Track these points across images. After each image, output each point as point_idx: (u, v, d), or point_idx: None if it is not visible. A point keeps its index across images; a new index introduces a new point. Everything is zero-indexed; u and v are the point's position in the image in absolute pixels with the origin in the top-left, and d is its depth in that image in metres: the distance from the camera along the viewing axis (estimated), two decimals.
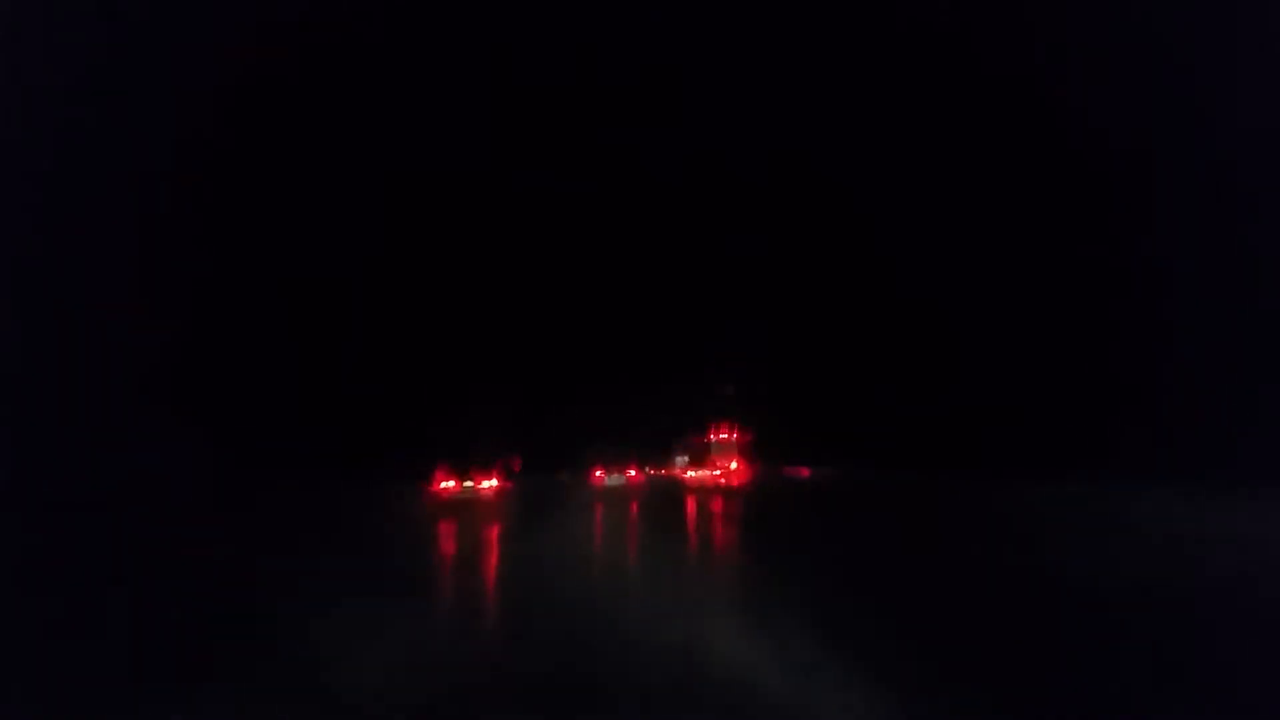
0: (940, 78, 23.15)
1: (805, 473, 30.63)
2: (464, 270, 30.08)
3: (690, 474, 27.59)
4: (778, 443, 31.97)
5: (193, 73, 20.62)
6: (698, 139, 33.64)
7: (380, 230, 27.20)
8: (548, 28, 28.71)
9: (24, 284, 18.09)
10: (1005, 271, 21.88)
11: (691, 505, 20.17)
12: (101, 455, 17.48)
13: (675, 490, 25.32)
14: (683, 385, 35.22)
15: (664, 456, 31.51)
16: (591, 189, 32.28)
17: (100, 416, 18.34)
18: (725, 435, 29.51)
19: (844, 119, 26.60)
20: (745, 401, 32.90)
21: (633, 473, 24.83)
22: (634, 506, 18.89)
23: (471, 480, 18.63)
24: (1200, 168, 15.93)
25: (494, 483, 18.94)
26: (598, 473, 23.32)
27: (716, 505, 20.36)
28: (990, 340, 22.05)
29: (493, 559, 11.29)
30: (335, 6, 23.74)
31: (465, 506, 17.62)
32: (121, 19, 18.87)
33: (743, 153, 32.44)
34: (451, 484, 18.53)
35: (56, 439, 17.51)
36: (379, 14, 26.56)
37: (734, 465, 28.36)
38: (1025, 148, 20.70)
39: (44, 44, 17.70)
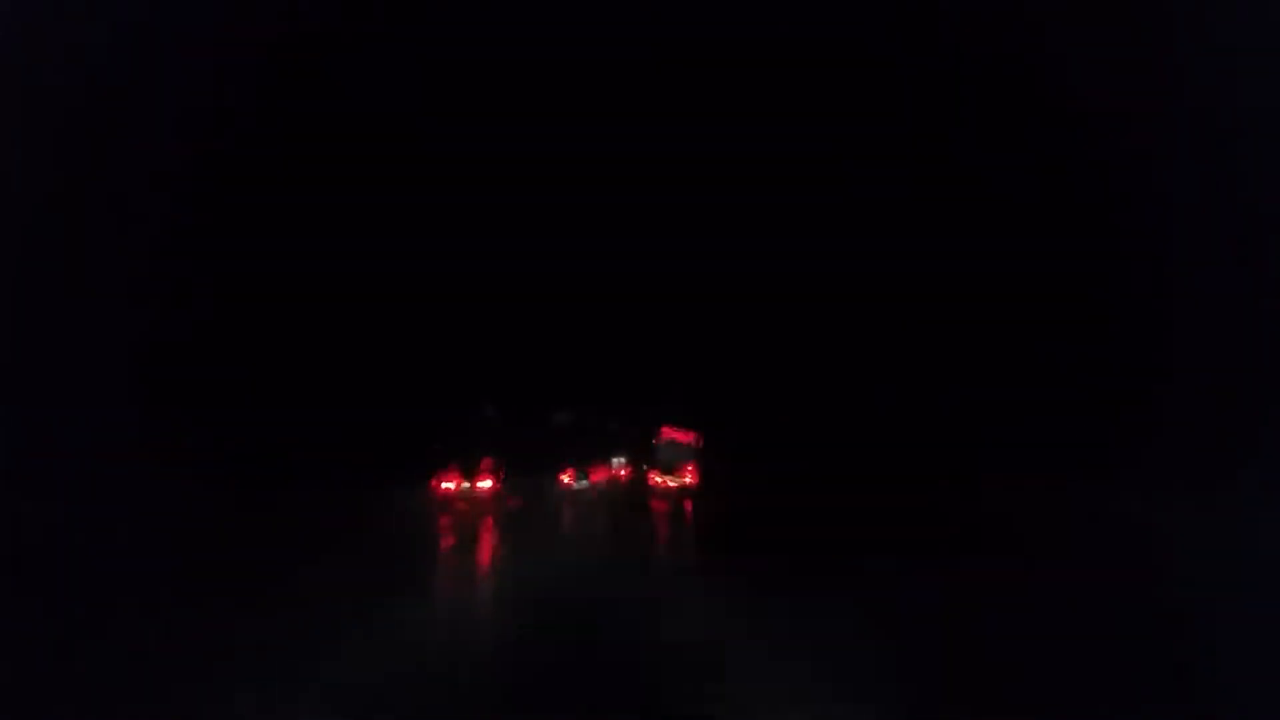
0: (934, 71, 22.38)
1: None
2: (460, 287, 32.42)
3: (658, 479, 26.84)
4: (745, 447, 30.31)
5: (195, 73, 20.92)
6: (675, 137, 32.86)
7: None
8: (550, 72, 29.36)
9: (25, 283, 18.39)
10: (997, 273, 20.83)
11: (635, 498, 24.29)
12: (102, 456, 18.16)
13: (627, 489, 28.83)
14: (646, 389, 35.82)
15: (628, 459, 33.44)
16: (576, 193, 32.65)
17: (100, 417, 19.10)
18: (682, 438, 27.97)
19: (827, 109, 25.83)
20: (707, 405, 30.94)
21: (597, 477, 28.98)
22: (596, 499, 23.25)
23: (469, 482, 22.61)
24: (1206, 165, 15.33)
25: (488, 484, 22.91)
26: (565, 477, 27.45)
27: (663, 503, 23.49)
28: (982, 342, 21.07)
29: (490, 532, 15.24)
30: (338, 12, 23.67)
31: (465, 503, 21.73)
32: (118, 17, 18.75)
33: (720, 144, 30.33)
34: (452, 485, 22.48)
35: (56, 439, 17.99)
36: (387, 20, 25.72)
37: (690, 469, 26.90)
38: (1023, 144, 19.93)
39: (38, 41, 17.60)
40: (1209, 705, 4.49)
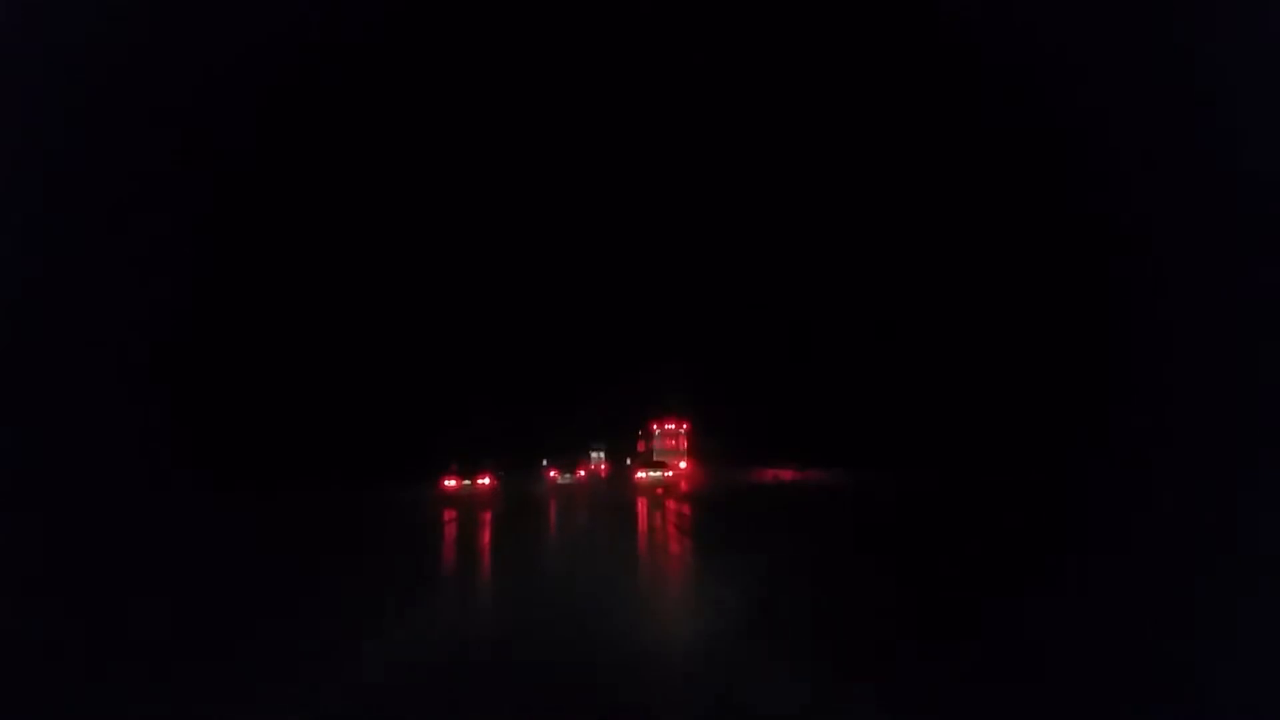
0: (929, 77, 22.06)
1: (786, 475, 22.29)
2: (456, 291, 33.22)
3: (641, 475, 24.51)
4: (742, 439, 25.92)
5: (192, 72, 20.85)
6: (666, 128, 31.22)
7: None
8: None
9: (23, 284, 17.89)
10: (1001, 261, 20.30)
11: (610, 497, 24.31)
12: (114, 460, 18.12)
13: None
14: (634, 377, 31.44)
15: (608, 455, 34.27)
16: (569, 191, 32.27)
17: (107, 421, 19.00)
18: (673, 428, 24.70)
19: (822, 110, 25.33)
20: (701, 391, 26.33)
21: (581, 473, 31.23)
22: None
23: (470, 480, 24.70)
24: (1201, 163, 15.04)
25: (487, 481, 25.03)
26: (551, 473, 29.74)
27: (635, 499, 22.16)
28: (989, 330, 20.31)
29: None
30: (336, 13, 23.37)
31: (469, 498, 23.80)
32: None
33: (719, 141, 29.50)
34: (454, 483, 24.51)
35: (54, 439, 17.72)
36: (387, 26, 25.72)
37: (683, 465, 24.03)
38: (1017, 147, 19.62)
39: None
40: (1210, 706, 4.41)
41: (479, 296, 36.41)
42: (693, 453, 24.06)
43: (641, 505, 20.28)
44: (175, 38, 21.13)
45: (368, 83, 29.34)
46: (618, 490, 25.25)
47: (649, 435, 25.47)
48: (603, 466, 33.60)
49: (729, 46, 26.85)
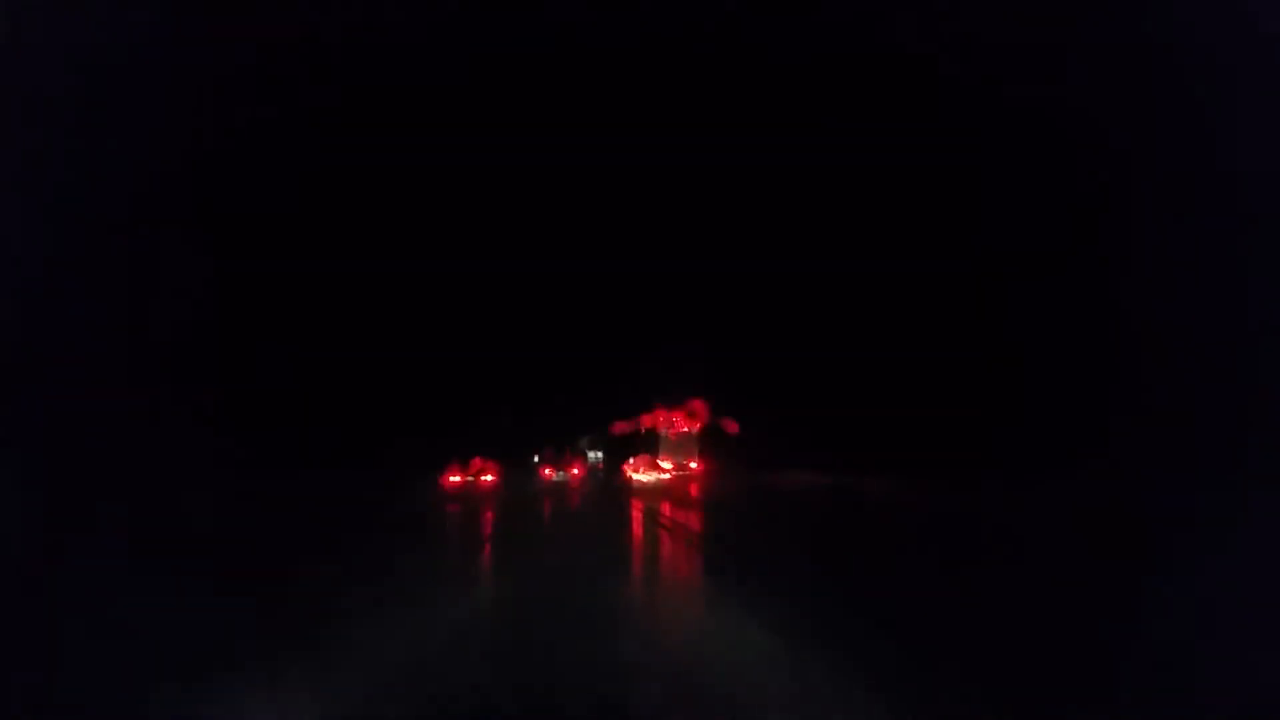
0: (933, 74, 24.07)
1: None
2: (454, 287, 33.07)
3: (637, 477, 22.69)
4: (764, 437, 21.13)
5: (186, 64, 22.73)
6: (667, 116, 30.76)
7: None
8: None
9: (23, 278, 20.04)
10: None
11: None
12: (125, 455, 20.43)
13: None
14: (641, 369, 29.77)
15: (605, 454, 34.34)
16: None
17: (120, 417, 21.14)
18: (679, 424, 21.64)
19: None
20: (711, 380, 22.42)
21: (575, 470, 31.69)
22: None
23: (473, 475, 25.24)
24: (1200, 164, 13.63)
25: (490, 477, 25.57)
26: (546, 470, 30.25)
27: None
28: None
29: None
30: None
31: (472, 493, 24.34)
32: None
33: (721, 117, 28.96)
34: (458, 479, 25.05)
35: (58, 434, 20.06)
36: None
37: (694, 465, 20.89)
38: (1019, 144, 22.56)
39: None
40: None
41: (480, 294, 35.94)
42: (705, 451, 20.85)
43: (636, 510, 19.30)
44: (175, 36, 22.01)
45: (362, 76, 29.16)
46: (614, 492, 23.96)
47: (654, 429, 22.59)
48: (600, 465, 33.84)
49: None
